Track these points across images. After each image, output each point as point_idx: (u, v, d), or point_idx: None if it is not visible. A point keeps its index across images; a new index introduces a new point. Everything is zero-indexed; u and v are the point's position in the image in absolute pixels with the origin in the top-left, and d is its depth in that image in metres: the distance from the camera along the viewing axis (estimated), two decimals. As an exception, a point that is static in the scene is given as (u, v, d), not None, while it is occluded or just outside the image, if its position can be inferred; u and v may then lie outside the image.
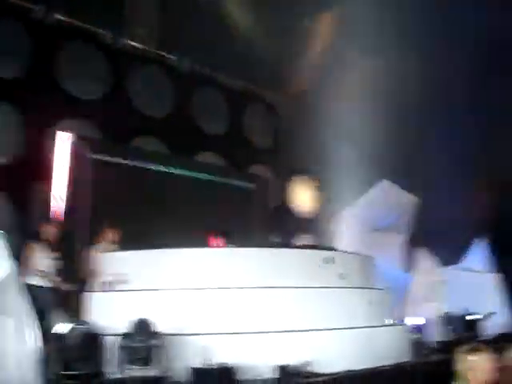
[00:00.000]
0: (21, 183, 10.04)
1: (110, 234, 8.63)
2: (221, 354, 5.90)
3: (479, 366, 3.63)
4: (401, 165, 13.62)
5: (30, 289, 7.47)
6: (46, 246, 7.97)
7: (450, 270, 11.43)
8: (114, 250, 8.26)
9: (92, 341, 5.88)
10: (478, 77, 12.04)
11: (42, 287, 7.70)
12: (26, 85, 10.60)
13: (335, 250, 8.52)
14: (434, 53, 12.37)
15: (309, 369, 6.09)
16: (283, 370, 6.03)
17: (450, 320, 9.57)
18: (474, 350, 3.71)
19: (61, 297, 8.11)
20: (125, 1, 12.48)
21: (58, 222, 8.51)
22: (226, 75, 13.98)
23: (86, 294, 7.48)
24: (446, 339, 9.24)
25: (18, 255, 9.21)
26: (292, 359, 6.12)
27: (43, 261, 7.90)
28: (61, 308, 8.00)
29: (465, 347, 3.76)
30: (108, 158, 10.92)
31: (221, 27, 13.34)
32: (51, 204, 10.04)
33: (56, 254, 8.01)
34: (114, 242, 8.61)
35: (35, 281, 7.66)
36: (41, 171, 10.27)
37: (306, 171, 15.32)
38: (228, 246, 8.44)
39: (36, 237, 8.14)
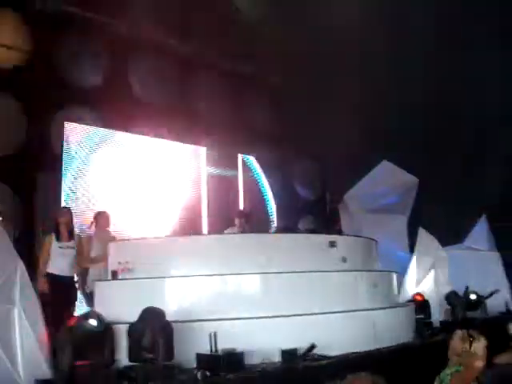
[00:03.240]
0: (25, 174, 10.09)
1: (103, 221, 8.71)
2: (227, 340, 5.98)
3: (473, 353, 3.67)
4: (403, 144, 13.67)
5: (53, 278, 7.65)
6: (64, 235, 8.03)
7: (452, 249, 11.49)
8: (107, 239, 8.33)
9: (102, 330, 5.96)
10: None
11: (62, 277, 7.82)
12: (26, 74, 10.60)
13: (337, 233, 8.59)
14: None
15: (314, 352, 6.19)
16: (289, 353, 6.13)
17: (452, 299, 9.65)
18: (467, 337, 3.75)
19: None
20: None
21: (70, 212, 8.53)
22: (228, 60, 13.95)
23: (94, 283, 7.59)
24: (449, 319, 9.34)
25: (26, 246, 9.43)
26: (298, 343, 6.22)
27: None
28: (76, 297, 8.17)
29: (458, 334, 3.80)
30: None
31: (220, 10, 13.28)
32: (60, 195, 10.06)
33: (72, 243, 8.10)
34: (106, 229, 8.71)
35: (57, 271, 7.78)
36: (45, 161, 10.30)
37: (310, 155, 15.39)
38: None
39: (50, 227, 8.23)
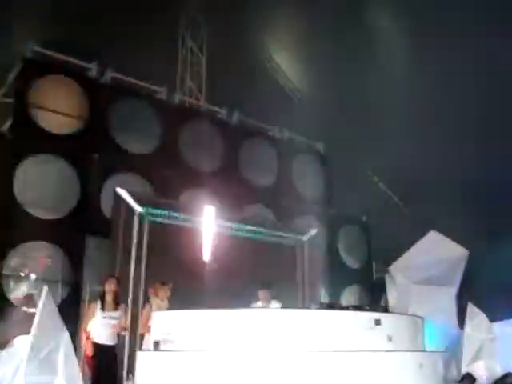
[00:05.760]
0: (76, 237, 10.31)
1: (162, 292, 8.71)
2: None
3: None
4: (452, 213, 13.48)
5: (100, 348, 7.68)
6: (109, 304, 8.04)
7: (502, 326, 11.10)
8: (164, 308, 8.37)
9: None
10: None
11: (110, 345, 7.84)
12: (80, 140, 10.98)
13: (383, 309, 8.41)
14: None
15: None
16: None
17: (503, 380, 9.28)
18: None
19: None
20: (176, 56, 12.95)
21: (117, 279, 8.58)
22: (275, 127, 14.21)
23: (138, 353, 7.60)
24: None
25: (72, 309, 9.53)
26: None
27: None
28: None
29: None
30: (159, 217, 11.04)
31: (268, 80, 13.63)
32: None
33: (116, 313, 8.11)
34: (165, 299, 8.71)
35: (100, 340, 7.77)
36: (97, 226, 10.51)
37: (356, 222, 15.25)
38: (273, 302, 8.50)
39: (98, 294, 8.29)
